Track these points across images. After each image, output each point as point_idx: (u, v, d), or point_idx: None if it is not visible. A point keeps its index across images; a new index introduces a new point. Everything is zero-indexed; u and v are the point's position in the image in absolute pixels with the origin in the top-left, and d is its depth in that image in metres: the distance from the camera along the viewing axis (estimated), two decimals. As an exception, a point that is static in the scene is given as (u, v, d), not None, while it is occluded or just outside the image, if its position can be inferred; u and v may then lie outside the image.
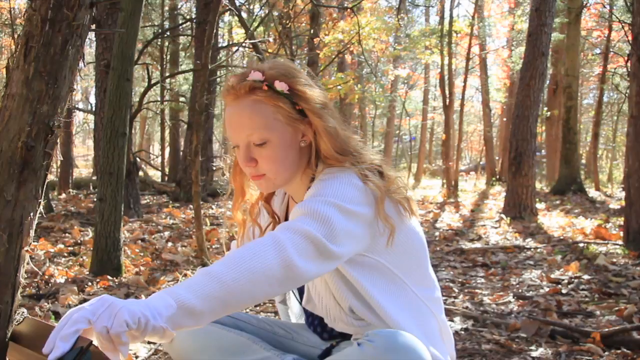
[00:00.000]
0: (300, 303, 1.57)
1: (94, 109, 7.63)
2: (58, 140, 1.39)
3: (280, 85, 1.37)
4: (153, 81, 7.70)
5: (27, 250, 1.37)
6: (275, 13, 9.61)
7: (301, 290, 1.56)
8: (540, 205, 8.14)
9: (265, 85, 1.36)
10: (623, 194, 4.49)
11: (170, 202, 8.62)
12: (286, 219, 1.59)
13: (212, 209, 7.80)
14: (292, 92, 1.38)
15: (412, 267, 1.45)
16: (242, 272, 1.16)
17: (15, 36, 6.89)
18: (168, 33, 11.59)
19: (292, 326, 1.69)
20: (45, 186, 1.41)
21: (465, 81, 13.25)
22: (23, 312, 1.52)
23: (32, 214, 1.36)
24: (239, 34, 13.82)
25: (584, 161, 17.91)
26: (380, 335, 1.22)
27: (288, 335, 1.67)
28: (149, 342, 2.31)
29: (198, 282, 1.15)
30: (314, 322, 1.60)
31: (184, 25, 12.76)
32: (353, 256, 1.34)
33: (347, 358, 1.26)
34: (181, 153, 11.29)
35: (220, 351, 1.56)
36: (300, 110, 1.38)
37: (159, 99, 13.48)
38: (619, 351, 2.21)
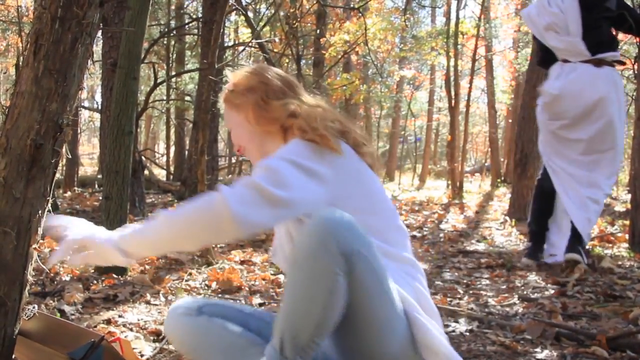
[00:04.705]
0: None
1: (99, 107, 7.64)
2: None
3: (240, 98, 1.70)
4: (159, 80, 7.71)
5: (35, 248, 1.38)
6: (282, 13, 9.61)
7: None
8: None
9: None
10: (629, 197, 4.48)
11: (175, 201, 8.63)
12: None
13: (217, 208, 7.80)
14: (257, 104, 1.68)
15: (364, 222, 1.48)
16: (181, 226, 1.42)
17: (23, 34, 6.92)
18: (174, 32, 11.61)
19: None
20: (53, 184, 1.41)
21: (471, 82, 13.20)
22: (34, 308, 1.53)
23: (40, 211, 1.37)
24: (244, 33, 13.83)
25: (589, 163, 17.80)
26: (318, 211, 1.36)
27: None
28: (154, 341, 2.31)
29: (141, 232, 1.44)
30: None
31: (190, 24, 12.76)
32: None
33: (298, 240, 1.38)
34: (186, 152, 11.31)
35: (218, 353, 1.58)
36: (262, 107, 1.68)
37: (164, 97, 13.51)
38: (624, 354, 2.20)
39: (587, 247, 4.10)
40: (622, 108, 3.96)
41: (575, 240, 3.84)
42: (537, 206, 4.19)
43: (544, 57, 4.12)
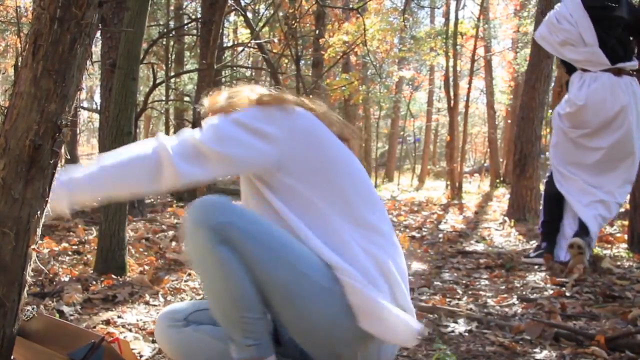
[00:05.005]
0: None
1: (98, 107, 7.63)
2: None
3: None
4: (158, 80, 7.70)
5: (33, 249, 1.38)
6: (281, 13, 9.61)
7: None
8: (544, 208, 8.11)
9: None
10: (627, 197, 4.50)
11: (174, 201, 8.63)
12: None
13: (216, 208, 7.80)
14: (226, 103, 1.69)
15: (324, 185, 1.54)
16: (124, 174, 1.50)
17: (21, 35, 6.92)
18: (173, 32, 11.60)
19: None
20: (52, 185, 1.41)
21: (470, 83, 13.22)
22: (33, 309, 1.52)
23: (39, 212, 1.37)
24: (243, 34, 13.82)
25: (588, 164, 17.79)
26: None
27: None
28: (153, 342, 2.31)
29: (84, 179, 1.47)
30: None
31: (190, 25, 12.76)
32: (264, 176, 1.53)
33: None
34: (185, 152, 11.25)
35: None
36: None
37: (163, 98, 13.49)
38: (623, 354, 2.21)
39: (594, 247, 4.12)
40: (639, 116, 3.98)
41: (582, 232, 3.85)
42: (548, 211, 4.22)
43: (569, 68, 4.15)
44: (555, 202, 4.13)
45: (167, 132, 16.59)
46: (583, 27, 3.88)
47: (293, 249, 1.44)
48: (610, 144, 3.93)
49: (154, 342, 2.31)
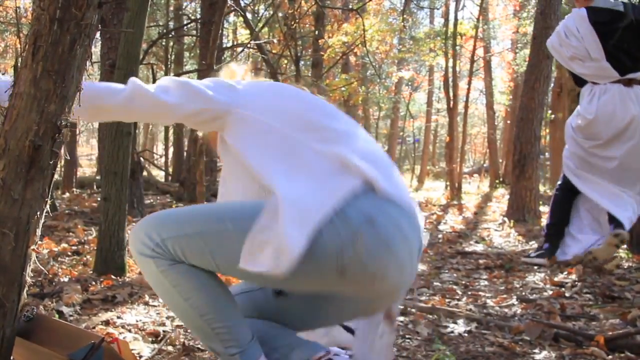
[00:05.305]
0: None
1: (98, 108, 7.61)
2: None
3: None
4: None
5: (33, 249, 1.38)
6: (280, 14, 9.60)
7: None
8: (543, 208, 8.12)
9: None
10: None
11: (174, 202, 8.63)
12: None
13: (216, 209, 7.79)
14: None
15: (280, 109, 1.59)
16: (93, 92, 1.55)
17: (21, 35, 6.92)
18: (173, 33, 11.60)
19: None
20: (51, 185, 1.41)
21: (469, 83, 13.22)
22: (33, 309, 1.52)
23: (38, 212, 1.37)
24: (243, 34, 13.83)
25: (587, 164, 17.80)
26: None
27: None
28: (152, 342, 2.31)
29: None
30: None
31: (189, 26, 12.77)
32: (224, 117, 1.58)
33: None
34: (185, 153, 11.30)
35: None
36: None
37: (163, 99, 13.47)
38: (622, 355, 2.21)
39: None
40: None
41: (618, 226, 3.88)
42: (556, 214, 4.26)
43: (578, 80, 4.17)
44: (564, 207, 4.18)
45: (166, 134, 16.61)
46: (589, 42, 3.90)
47: (232, 216, 1.44)
48: (622, 154, 3.96)
49: (153, 342, 2.32)
